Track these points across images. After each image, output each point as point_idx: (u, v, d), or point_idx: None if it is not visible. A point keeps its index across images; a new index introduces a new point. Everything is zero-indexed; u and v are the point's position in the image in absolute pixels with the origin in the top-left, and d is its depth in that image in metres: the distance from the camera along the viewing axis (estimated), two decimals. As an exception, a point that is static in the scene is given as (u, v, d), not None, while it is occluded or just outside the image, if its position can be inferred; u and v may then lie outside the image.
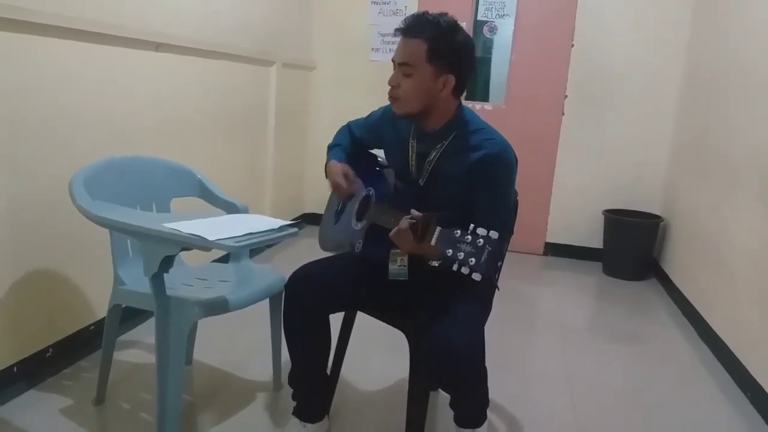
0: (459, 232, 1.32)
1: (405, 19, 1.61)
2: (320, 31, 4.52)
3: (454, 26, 1.59)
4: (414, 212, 1.46)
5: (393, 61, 1.63)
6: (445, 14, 1.61)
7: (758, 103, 2.66)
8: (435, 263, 1.40)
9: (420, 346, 1.63)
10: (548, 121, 4.28)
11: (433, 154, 1.68)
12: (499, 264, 1.86)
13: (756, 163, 2.60)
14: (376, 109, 1.93)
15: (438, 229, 1.37)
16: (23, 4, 1.87)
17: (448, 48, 1.57)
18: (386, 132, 1.84)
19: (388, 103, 1.72)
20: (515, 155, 1.65)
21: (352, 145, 1.96)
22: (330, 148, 1.95)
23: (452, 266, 1.31)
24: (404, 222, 1.46)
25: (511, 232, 1.72)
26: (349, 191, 1.80)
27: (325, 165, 1.89)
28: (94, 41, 2.21)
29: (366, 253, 1.73)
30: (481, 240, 1.29)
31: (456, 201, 1.64)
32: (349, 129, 2.00)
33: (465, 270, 1.29)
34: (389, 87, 1.64)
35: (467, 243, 1.30)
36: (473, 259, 1.28)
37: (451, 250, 1.31)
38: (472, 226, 1.32)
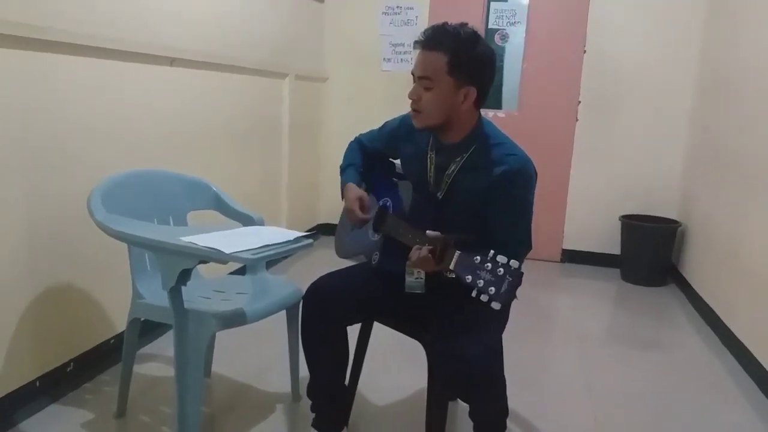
0: (479, 258, 1.31)
1: (424, 31, 1.58)
2: (332, 43, 4.55)
3: (474, 37, 1.56)
4: (430, 233, 1.46)
5: (412, 74, 1.61)
6: (465, 24, 1.58)
7: (776, 105, 2.63)
8: (452, 275, 1.39)
9: (435, 356, 1.62)
10: (562, 127, 4.27)
11: (453, 167, 1.65)
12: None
13: (775, 165, 2.56)
14: (389, 119, 1.91)
15: (457, 253, 1.36)
16: (37, 23, 1.91)
17: (469, 60, 1.54)
18: (403, 142, 1.81)
19: (401, 113, 1.71)
20: (535, 171, 1.63)
21: (365, 160, 1.94)
22: (343, 169, 1.92)
23: (471, 292, 1.30)
24: (424, 250, 1.45)
25: (530, 248, 1.70)
26: (364, 219, 1.77)
27: (342, 187, 1.87)
28: (108, 57, 2.25)
29: (383, 265, 1.73)
30: (501, 270, 1.28)
31: (474, 215, 1.62)
32: (359, 144, 1.97)
33: (484, 298, 1.29)
34: (409, 100, 1.61)
35: (487, 271, 1.29)
36: (493, 288, 1.28)
37: (470, 277, 1.30)
38: (492, 252, 1.30)
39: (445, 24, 1.58)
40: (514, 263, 1.28)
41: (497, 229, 1.59)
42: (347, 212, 1.81)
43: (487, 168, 1.60)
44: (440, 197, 1.68)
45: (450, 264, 1.37)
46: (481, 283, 1.29)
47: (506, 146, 1.63)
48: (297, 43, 4.04)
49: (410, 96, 1.61)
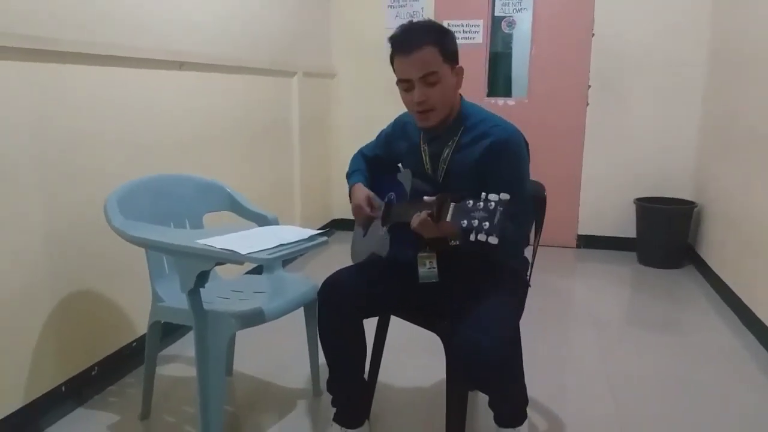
0: (471, 202, 1.32)
1: (398, 40, 1.61)
2: (338, 38, 4.55)
3: (438, 23, 1.65)
4: (427, 198, 1.47)
5: (409, 80, 1.60)
6: (424, 18, 1.67)
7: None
8: (456, 242, 1.40)
9: (452, 347, 1.63)
10: (573, 112, 4.24)
11: (446, 152, 1.70)
12: (530, 260, 1.86)
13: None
14: (384, 127, 1.97)
15: (452, 205, 1.37)
16: (46, 34, 1.93)
17: (449, 42, 1.61)
18: (399, 144, 1.87)
19: (397, 114, 1.74)
20: (524, 138, 1.67)
21: (369, 167, 1.99)
22: (349, 174, 1.97)
23: (470, 236, 1.30)
24: (423, 213, 1.47)
25: (531, 216, 1.72)
26: (372, 216, 1.81)
27: (349, 190, 1.91)
28: (118, 65, 2.27)
29: (393, 254, 1.74)
30: (492, 203, 1.29)
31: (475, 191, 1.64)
32: (362, 155, 2.03)
33: (482, 236, 1.28)
34: (417, 104, 1.61)
35: (480, 209, 1.30)
36: (486, 223, 1.27)
37: (465, 221, 1.30)
38: (483, 194, 1.31)
39: (410, 23, 1.64)
40: (504, 196, 1.28)
41: (496, 187, 1.60)
42: (355, 210, 1.84)
43: (477, 143, 1.65)
44: (440, 181, 1.72)
45: (447, 217, 1.37)
46: (475, 222, 1.29)
47: (491, 119, 1.69)
48: (304, 40, 4.05)
49: (417, 99, 1.60)
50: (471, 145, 1.66)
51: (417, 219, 1.49)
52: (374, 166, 1.99)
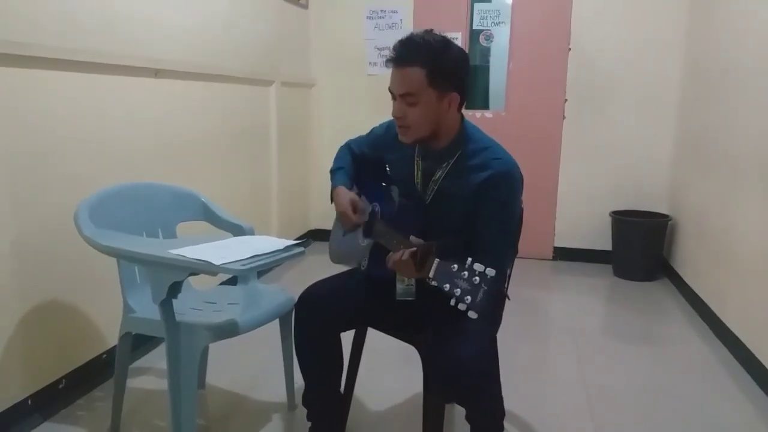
0: (456, 266, 1.30)
1: (394, 49, 1.55)
2: (317, 48, 4.55)
3: (444, 43, 1.54)
4: (413, 239, 1.45)
5: (390, 91, 1.58)
6: (431, 31, 1.57)
7: (760, 96, 2.64)
8: (434, 283, 1.38)
9: (429, 360, 1.61)
10: (549, 125, 4.28)
11: (439, 173, 1.65)
12: (508, 273, 1.86)
13: (762, 155, 2.58)
14: (376, 125, 1.90)
15: (436, 261, 1.35)
16: (21, 39, 1.89)
17: (445, 68, 1.53)
18: (390, 148, 1.81)
19: (388, 116, 1.70)
20: (521, 175, 1.62)
21: (355, 163, 1.94)
22: (333, 172, 1.91)
23: (449, 301, 1.30)
24: (405, 253, 1.43)
25: (515, 252, 1.70)
26: (357, 222, 1.76)
27: (331, 190, 1.86)
28: (92, 71, 2.23)
29: (371, 272, 1.72)
30: (477, 278, 1.27)
31: (461, 220, 1.62)
32: (349, 148, 1.98)
33: (462, 306, 1.28)
34: (395, 118, 1.60)
35: (463, 279, 1.28)
36: (469, 297, 1.26)
37: (448, 285, 1.29)
38: (469, 261, 1.29)
39: (412, 36, 1.56)
40: (490, 272, 1.26)
41: (483, 234, 1.59)
42: (341, 216, 1.80)
43: (473, 173, 1.60)
44: (427, 202, 1.68)
45: (430, 272, 1.36)
46: (458, 292, 1.28)
47: (491, 150, 1.63)
48: (282, 49, 4.03)
49: (395, 114, 1.59)
50: (468, 173, 1.61)
51: (397, 256, 1.44)
52: (360, 162, 1.93)
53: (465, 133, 1.65)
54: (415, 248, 1.41)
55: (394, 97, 1.59)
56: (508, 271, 1.85)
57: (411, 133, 1.60)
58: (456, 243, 1.38)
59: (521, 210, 1.75)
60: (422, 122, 1.57)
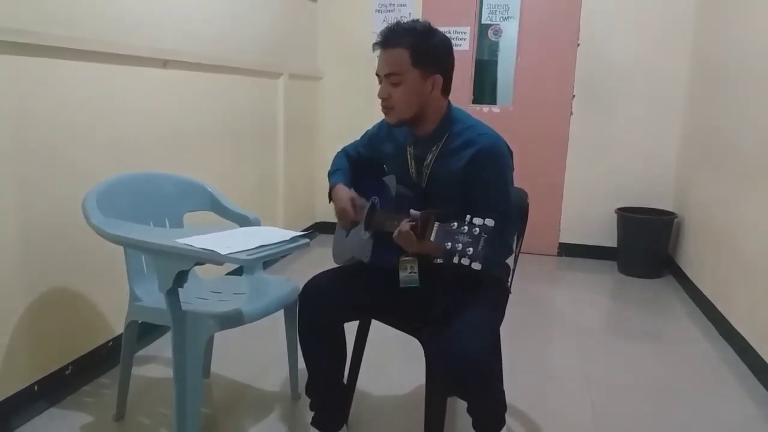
0: (456, 224, 1.33)
1: (381, 33, 1.64)
2: (325, 41, 4.55)
3: (429, 29, 1.63)
4: (413, 212, 1.47)
5: (378, 75, 1.66)
6: (417, 20, 1.66)
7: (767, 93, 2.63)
8: (439, 260, 1.40)
9: (432, 352, 1.62)
10: (557, 121, 4.27)
11: (430, 157, 1.70)
12: (511, 267, 1.86)
13: (769, 155, 2.57)
14: (369, 127, 1.97)
15: (436, 224, 1.37)
16: (30, 28, 1.90)
17: (429, 49, 1.61)
18: (384, 145, 1.86)
19: (383, 117, 1.74)
20: (508, 147, 1.67)
21: (352, 165, 1.98)
22: (331, 174, 1.95)
23: (453, 259, 1.31)
24: (404, 224, 1.46)
25: (516, 225, 1.72)
26: (356, 219, 1.79)
27: (329, 190, 1.89)
28: (101, 61, 2.24)
29: (375, 261, 1.73)
30: (477, 229, 1.29)
31: (457, 199, 1.65)
32: (345, 153, 2.02)
33: (465, 261, 1.29)
34: (381, 99, 1.66)
35: (464, 233, 1.30)
36: (470, 249, 1.28)
37: (449, 243, 1.31)
38: (468, 216, 1.32)
39: (398, 22, 1.65)
40: (489, 222, 1.29)
41: (480, 197, 1.62)
42: (339, 213, 1.82)
43: (461, 151, 1.65)
44: (424, 187, 1.72)
45: (431, 236, 1.37)
46: (459, 246, 1.29)
47: (476, 128, 1.68)
48: (290, 42, 4.03)
49: (380, 95, 1.66)
50: (456, 152, 1.66)
51: (400, 231, 1.47)
52: (358, 164, 1.97)
53: (451, 116, 1.70)
54: (414, 221, 1.44)
55: (379, 81, 1.66)
56: (512, 267, 1.86)
57: (395, 114, 1.66)
58: (456, 210, 1.39)
59: (526, 198, 1.76)
60: (406, 102, 1.63)
